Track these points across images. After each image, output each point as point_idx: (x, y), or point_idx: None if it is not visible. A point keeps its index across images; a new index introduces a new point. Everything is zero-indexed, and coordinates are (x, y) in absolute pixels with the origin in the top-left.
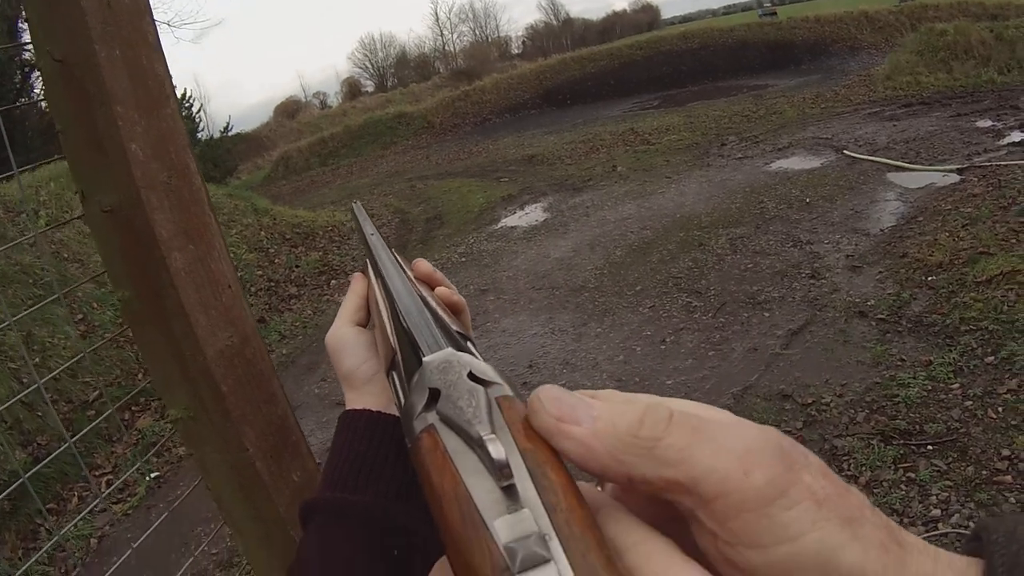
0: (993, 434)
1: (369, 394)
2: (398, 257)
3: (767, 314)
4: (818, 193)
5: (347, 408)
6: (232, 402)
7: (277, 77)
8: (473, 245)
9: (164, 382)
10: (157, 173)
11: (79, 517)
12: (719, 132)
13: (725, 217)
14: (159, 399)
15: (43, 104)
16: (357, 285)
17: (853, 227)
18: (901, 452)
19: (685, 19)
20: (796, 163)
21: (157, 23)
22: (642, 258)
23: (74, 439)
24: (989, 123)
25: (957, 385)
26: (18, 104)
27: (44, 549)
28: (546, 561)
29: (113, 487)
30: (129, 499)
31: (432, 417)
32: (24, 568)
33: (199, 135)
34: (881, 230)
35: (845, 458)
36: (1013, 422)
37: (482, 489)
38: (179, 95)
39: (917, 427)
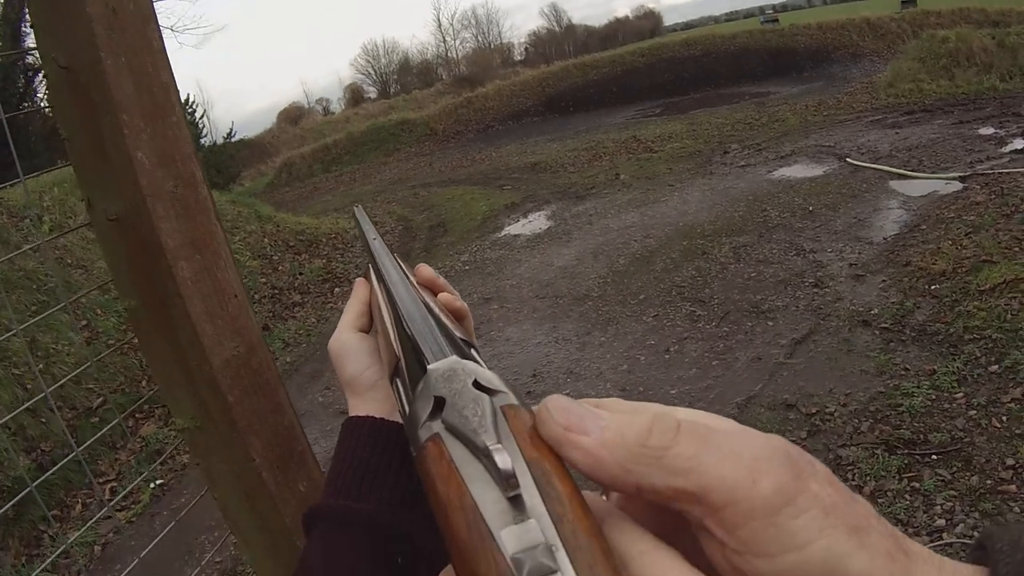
0: (997, 443)
1: (372, 400)
2: (400, 262)
3: (771, 323)
4: (821, 201)
5: (350, 414)
6: (238, 412)
7: (280, 83)
8: (476, 253)
9: (170, 391)
10: (163, 182)
11: (86, 527)
12: (722, 140)
13: (728, 226)
14: (163, 406)
15: (46, 109)
16: (360, 290)
17: (856, 235)
18: (905, 462)
19: (687, 26)
20: (799, 171)
21: (161, 28)
22: (645, 267)
23: (81, 448)
24: (991, 130)
25: (961, 394)
26: (23, 110)
27: (51, 558)
28: (553, 572)
29: (120, 496)
30: (133, 507)
31: (437, 426)
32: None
33: (202, 141)
34: (884, 238)
35: (849, 468)
36: (1017, 431)
37: (488, 499)
38: (183, 101)
39: (921, 437)
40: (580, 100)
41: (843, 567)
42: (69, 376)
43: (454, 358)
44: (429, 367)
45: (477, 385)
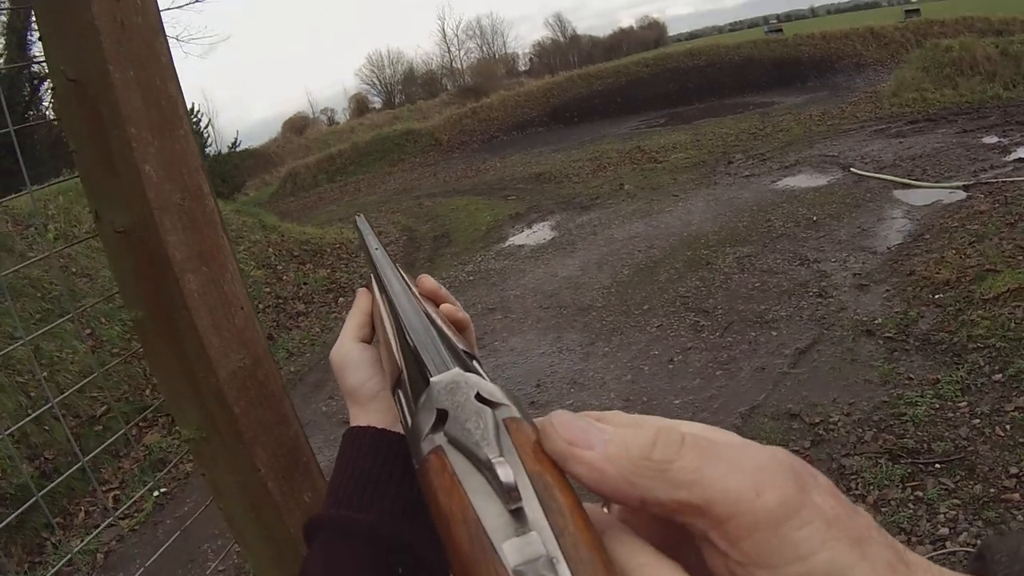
0: (1001, 452)
1: (374, 411)
2: (403, 273)
3: (775, 333)
4: (825, 211)
5: (352, 425)
6: (244, 423)
7: (285, 93)
8: (481, 263)
9: (176, 402)
10: (170, 194)
11: (92, 535)
12: (726, 150)
13: (732, 236)
14: (166, 415)
15: (53, 120)
16: (361, 301)
17: (860, 245)
18: (909, 471)
19: (691, 36)
20: (803, 181)
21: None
22: (649, 277)
23: (88, 458)
24: (995, 139)
25: (965, 403)
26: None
27: (57, 567)
28: None
29: (126, 505)
30: (136, 515)
31: (440, 438)
32: None
33: (207, 150)
34: (888, 248)
35: (853, 477)
36: (1021, 440)
37: (490, 511)
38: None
39: (925, 446)
40: (584, 110)
41: None
42: (76, 387)
43: (457, 370)
44: (432, 379)
45: (480, 398)
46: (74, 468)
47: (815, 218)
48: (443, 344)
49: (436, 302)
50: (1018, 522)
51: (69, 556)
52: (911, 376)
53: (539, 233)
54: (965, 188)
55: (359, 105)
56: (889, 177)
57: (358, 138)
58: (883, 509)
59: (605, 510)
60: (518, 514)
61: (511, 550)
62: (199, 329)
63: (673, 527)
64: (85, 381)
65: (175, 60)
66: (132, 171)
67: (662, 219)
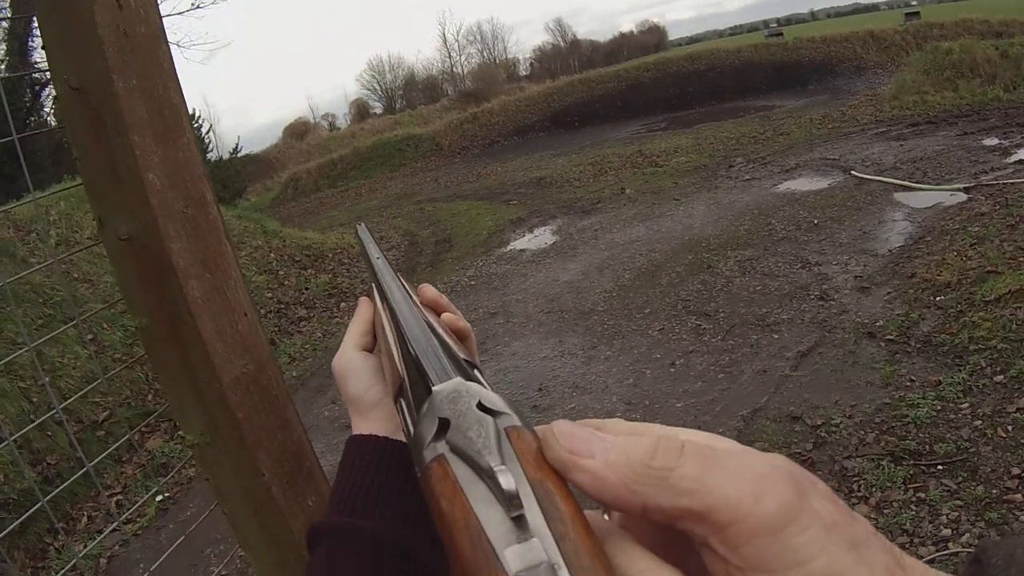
0: (1003, 453)
1: (376, 419)
2: (404, 282)
3: (776, 336)
4: (826, 214)
5: (354, 433)
6: (248, 428)
7: (286, 98)
8: (482, 268)
9: (180, 408)
10: (174, 202)
11: (97, 541)
12: (727, 153)
13: (733, 239)
14: (169, 420)
15: (53, 123)
16: (363, 309)
17: (861, 248)
18: (911, 472)
19: (692, 40)
20: (804, 184)
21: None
22: (651, 281)
23: (93, 463)
24: (996, 141)
25: (966, 405)
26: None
27: (61, 573)
28: None
29: (132, 510)
30: (139, 519)
31: (442, 447)
32: None
33: (208, 156)
34: (889, 250)
35: (855, 479)
36: (1023, 441)
37: (492, 519)
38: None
39: (927, 447)
40: (585, 115)
41: None
42: (81, 393)
43: (458, 380)
44: (434, 389)
45: (481, 407)
46: (79, 473)
47: (816, 221)
48: (444, 353)
49: (437, 311)
50: (1020, 523)
51: (73, 561)
52: (913, 378)
53: (540, 237)
54: (966, 190)
55: (360, 110)
56: (890, 180)
57: (359, 143)
58: (885, 511)
59: (606, 517)
60: (520, 521)
61: (513, 556)
62: (203, 335)
63: (673, 533)
64: (90, 387)
65: (176, 67)
66: (136, 179)
67: (663, 223)
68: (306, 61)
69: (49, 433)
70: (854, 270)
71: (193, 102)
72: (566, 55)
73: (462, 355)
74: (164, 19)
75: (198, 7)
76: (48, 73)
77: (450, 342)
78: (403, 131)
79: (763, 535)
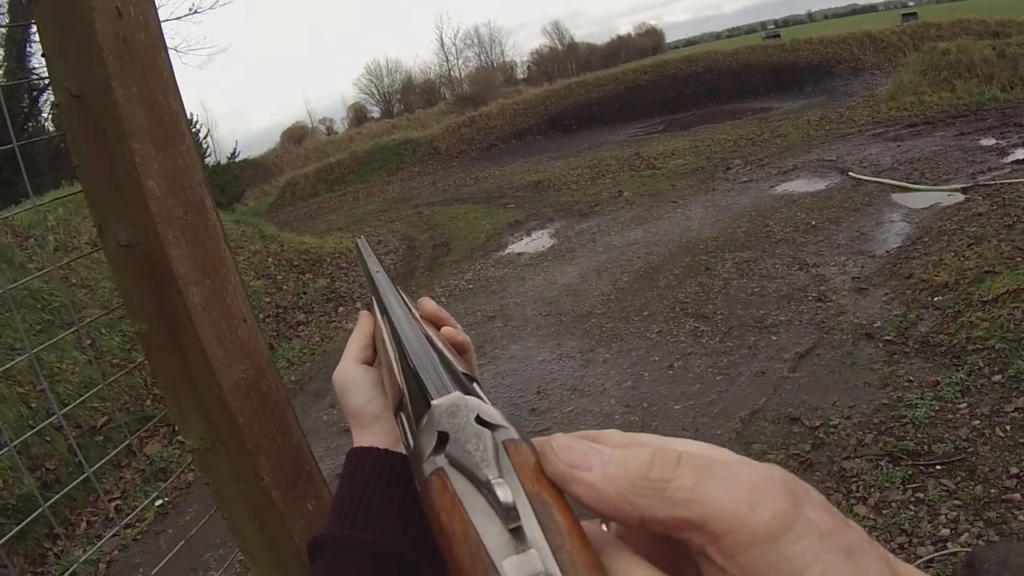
0: (1002, 452)
1: (377, 432)
2: (404, 295)
3: (774, 338)
4: (823, 216)
5: (355, 445)
6: (248, 433)
7: (283, 103)
8: (480, 272)
9: (180, 413)
10: (173, 209)
11: (97, 546)
12: (724, 156)
13: (731, 241)
14: (167, 424)
15: (51, 129)
16: (363, 323)
17: (859, 249)
18: (910, 472)
19: (689, 43)
20: (801, 186)
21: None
22: (649, 283)
23: (94, 468)
24: (993, 141)
25: (965, 405)
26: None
27: None
28: None
29: (132, 515)
30: (138, 524)
31: (441, 460)
32: None
33: (206, 161)
34: (887, 251)
35: (854, 480)
36: (1021, 440)
37: (490, 531)
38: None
39: (925, 447)
40: (583, 118)
41: None
42: (81, 399)
43: (457, 394)
44: (433, 403)
45: (479, 420)
46: (80, 478)
47: (814, 223)
48: (444, 367)
49: (437, 325)
50: (1019, 522)
51: (73, 566)
52: (911, 378)
53: (538, 241)
54: (963, 191)
55: (357, 115)
56: (887, 181)
57: (357, 147)
58: (884, 511)
59: (604, 527)
60: (517, 533)
61: (511, 568)
62: (203, 341)
63: (671, 543)
64: (90, 393)
65: (174, 72)
66: (135, 186)
67: (661, 225)
68: (304, 66)
69: (48, 439)
70: (852, 271)
71: (191, 107)
72: (563, 58)
73: (461, 369)
74: (162, 24)
75: (196, 12)
76: (46, 79)
77: (449, 356)
78: (401, 135)
79: (759, 544)
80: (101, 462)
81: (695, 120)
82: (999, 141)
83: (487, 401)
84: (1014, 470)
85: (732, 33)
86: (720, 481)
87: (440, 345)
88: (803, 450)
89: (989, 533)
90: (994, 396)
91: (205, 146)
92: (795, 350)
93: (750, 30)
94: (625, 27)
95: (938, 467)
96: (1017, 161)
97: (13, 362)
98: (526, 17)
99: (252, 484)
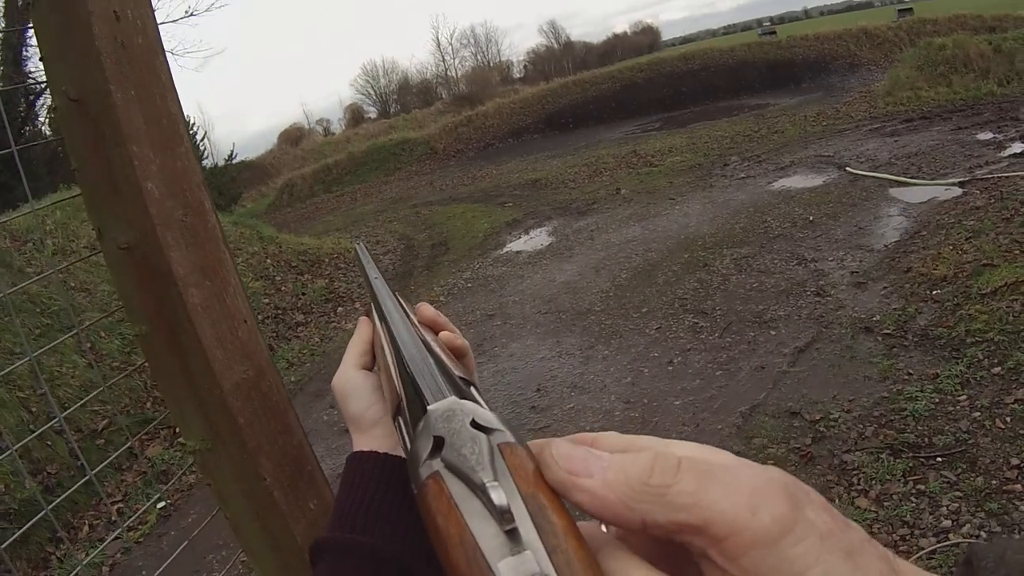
0: (1002, 444)
1: (376, 437)
2: (402, 301)
3: (773, 332)
4: (821, 211)
5: (354, 450)
6: (249, 434)
7: (280, 105)
8: (479, 270)
9: (181, 414)
10: (173, 211)
11: (99, 549)
12: (721, 152)
13: (729, 237)
14: (168, 427)
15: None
16: (362, 329)
17: (857, 243)
18: (910, 465)
19: (685, 40)
20: (799, 181)
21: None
22: (647, 280)
23: (96, 471)
24: (990, 135)
25: (964, 397)
26: (25, 136)
27: None
28: None
29: (134, 517)
30: (140, 527)
31: (437, 464)
32: None
33: (204, 163)
34: (885, 246)
35: (855, 473)
36: (1021, 431)
37: (486, 533)
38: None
39: (926, 440)
40: (580, 116)
41: None
42: (82, 402)
43: (453, 398)
44: (429, 407)
45: (475, 424)
46: (82, 481)
47: (811, 218)
48: (440, 372)
49: (435, 329)
50: (1021, 513)
51: (76, 570)
52: (910, 371)
53: (536, 239)
54: (961, 184)
55: (354, 115)
56: (885, 175)
57: (354, 148)
58: (886, 503)
59: (603, 529)
60: (513, 535)
61: (506, 569)
62: (203, 342)
63: (672, 545)
64: (91, 396)
65: (172, 75)
66: (134, 189)
67: (659, 222)
68: (300, 67)
69: (49, 443)
70: (850, 266)
71: (188, 109)
72: (560, 57)
73: (458, 373)
74: (159, 27)
75: (192, 15)
76: (43, 83)
77: (446, 360)
78: (398, 135)
79: (760, 547)
80: (102, 465)
81: (692, 117)
82: (996, 135)
83: (484, 405)
84: (1015, 461)
85: (728, 30)
86: (721, 485)
87: (437, 350)
88: (804, 444)
89: (991, 524)
90: (994, 388)
91: (203, 148)
92: (794, 345)
93: (746, 27)
94: (621, 25)
95: (939, 459)
96: (1014, 155)
97: (13, 366)
98: (522, 17)
99: (254, 484)
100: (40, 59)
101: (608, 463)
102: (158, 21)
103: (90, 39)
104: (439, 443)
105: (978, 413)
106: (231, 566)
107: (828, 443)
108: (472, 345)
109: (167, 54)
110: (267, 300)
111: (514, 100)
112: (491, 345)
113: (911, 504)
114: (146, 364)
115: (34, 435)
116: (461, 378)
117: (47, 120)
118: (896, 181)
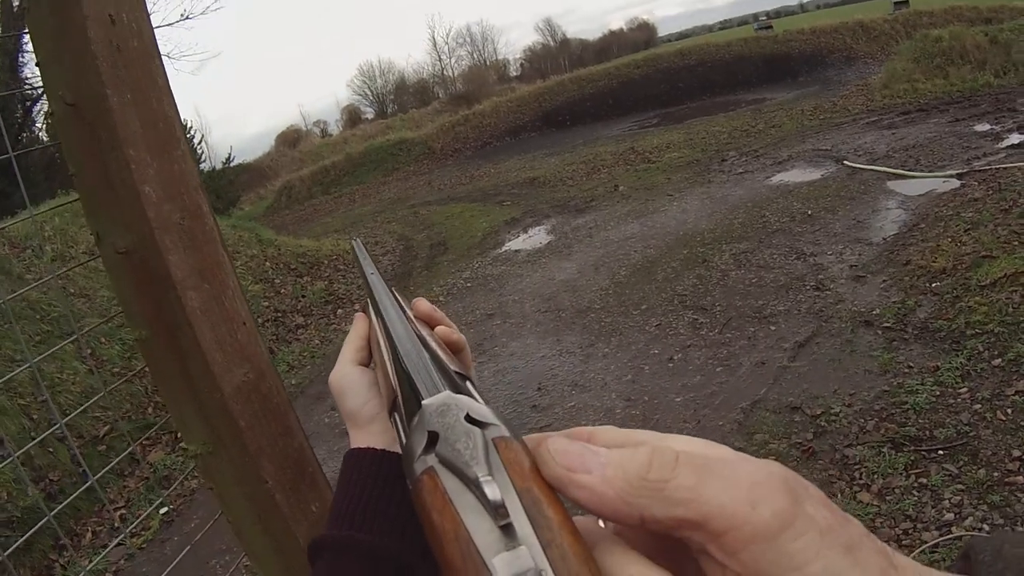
0: (1003, 436)
1: (373, 433)
2: (398, 297)
3: (773, 328)
4: (820, 205)
5: (352, 447)
6: (250, 436)
7: (277, 107)
8: (478, 270)
9: (182, 418)
10: (170, 214)
11: (102, 556)
12: (719, 148)
13: (728, 233)
14: (170, 432)
15: (46, 139)
16: (359, 325)
17: (856, 237)
18: (912, 458)
19: (681, 36)
20: (797, 176)
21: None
22: (647, 277)
23: (97, 476)
24: (987, 127)
25: (965, 389)
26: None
27: None
28: None
29: (136, 523)
30: (143, 532)
31: (431, 459)
32: None
33: (201, 166)
34: (884, 239)
35: (856, 467)
36: (1023, 423)
37: (481, 528)
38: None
39: (927, 433)
40: (577, 114)
41: None
42: (83, 408)
43: (447, 393)
44: (423, 403)
45: (469, 419)
46: (84, 487)
47: (810, 212)
48: (435, 367)
49: (431, 324)
50: (1023, 504)
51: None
52: (911, 364)
53: (535, 237)
54: (959, 176)
55: (351, 116)
56: (883, 168)
57: (351, 149)
58: (888, 497)
59: (601, 523)
60: (508, 530)
61: (501, 564)
62: (202, 346)
63: (671, 540)
64: (91, 402)
65: (168, 78)
66: (132, 192)
67: (657, 219)
68: (297, 69)
69: (51, 449)
70: (849, 259)
71: (185, 113)
72: (556, 55)
73: (454, 368)
74: (154, 31)
75: (188, 17)
76: (40, 88)
77: (442, 355)
78: (395, 135)
79: (760, 541)
80: (104, 471)
81: (689, 113)
82: (993, 126)
83: (479, 400)
84: (1016, 453)
85: (724, 25)
86: (719, 480)
87: (433, 345)
88: (805, 439)
89: (993, 516)
90: (994, 380)
91: (200, 152)
92: (794, 339)
93: (742, 22)
94: (617, 22)
95: (940, 452)
96: (1012, 146)
97: (13, 373)
98: (518, 15)
99: (255, 487)
100: (36, 64)
101: (605, 458)
102: (154, 24)
103: (86, 43)
104: (434, 438)
105: (979, 405)
106: (234, 570)
107: (829, 438)
108: (472, 345)
109: (163, 57)
110: (267, 303)
111: (511, 98)
112: (491, 344)
113: (913, 498)
114: (146, 369)
115: (36, 442)
116: (457, 372)
117: (44, 126)
118: (894, 174)
